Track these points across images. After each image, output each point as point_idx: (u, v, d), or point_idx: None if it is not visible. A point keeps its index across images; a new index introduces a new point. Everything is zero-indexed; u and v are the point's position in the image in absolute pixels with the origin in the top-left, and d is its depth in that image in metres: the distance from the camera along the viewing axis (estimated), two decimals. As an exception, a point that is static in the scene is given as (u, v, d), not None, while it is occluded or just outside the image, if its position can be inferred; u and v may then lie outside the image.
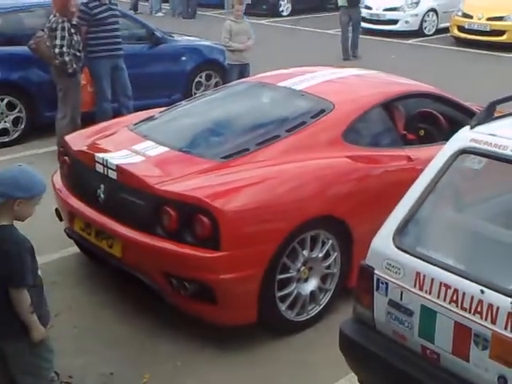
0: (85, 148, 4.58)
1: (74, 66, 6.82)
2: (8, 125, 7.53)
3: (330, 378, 3.67)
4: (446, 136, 4.37)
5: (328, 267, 4.18)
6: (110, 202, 4.21)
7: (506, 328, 2.43)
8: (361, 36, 14.48)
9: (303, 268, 4.05)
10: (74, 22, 6.89)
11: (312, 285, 4.13)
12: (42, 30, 6.95)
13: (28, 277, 2.85)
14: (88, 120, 6.50)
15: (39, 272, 2.98)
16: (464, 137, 2.90)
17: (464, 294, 2.55)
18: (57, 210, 4.80)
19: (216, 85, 8.90)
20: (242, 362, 3.84)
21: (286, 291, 4.00)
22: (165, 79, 8.54)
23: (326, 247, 4.11)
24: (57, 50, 6.71)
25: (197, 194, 3.84)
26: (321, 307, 4.21)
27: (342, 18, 13.01)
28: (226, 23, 8.76)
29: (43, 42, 6.87)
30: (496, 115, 3.00)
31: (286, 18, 18.40)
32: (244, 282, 3.81)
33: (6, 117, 7.50)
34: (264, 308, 3.90)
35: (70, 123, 6.89)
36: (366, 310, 2.93)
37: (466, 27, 14.35)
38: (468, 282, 2.56)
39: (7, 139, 7.56)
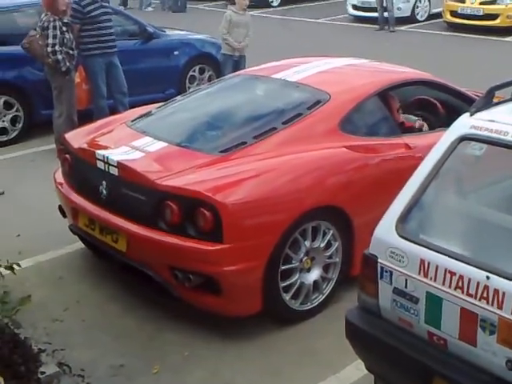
0: (85, 145, 4.60)
1: (67, 64, 6.83)
2: (6, 124, 7.56)
3: (337, 365, 3.70)
4: (443, 123, 4.42)
5: (330, 257, 4.21)
6: (112, 198, 4.23)
7: (512, 312, 2.46)
8: (352, 24, 14.36)
9: (305, 258, 4.08)
10: (65, 21, 6.90)
11: (315, 274, 4.16)
12: (35, 30, 6.96)
13: None
14: (85, 118, 6.51)
15: None
16: (464, 124, 2.91)
17: (469, 280, 2.56)
18: (60, 207, 4.83)
19: (210, 78, 8.89)
20: (249, 351, 3.87)
21: (289, 281, 4.02)
22: (158, 74, 8.54)
23: (328, 237, 4.14)
24: (49, 49, 6.74)
25: (198, 188, 3.86)
26: (324, 296, 4.24)
27: None
28: (227, 13, 8.63)
29: (36, 41, 6.89)
30: (495, 101, 3.01)
31: (276, 9, 18.35)
32: (247, 274, 3.84)
33: (4, 116, 7.53)
34: (268, 298, 3.93)
35: (66, 121, 6.93)
36: (371, 298, 2.94)
37: (459, 12, 14.20)
38: (473, 268, 2.57)
39: (6, 138, 7.59)
